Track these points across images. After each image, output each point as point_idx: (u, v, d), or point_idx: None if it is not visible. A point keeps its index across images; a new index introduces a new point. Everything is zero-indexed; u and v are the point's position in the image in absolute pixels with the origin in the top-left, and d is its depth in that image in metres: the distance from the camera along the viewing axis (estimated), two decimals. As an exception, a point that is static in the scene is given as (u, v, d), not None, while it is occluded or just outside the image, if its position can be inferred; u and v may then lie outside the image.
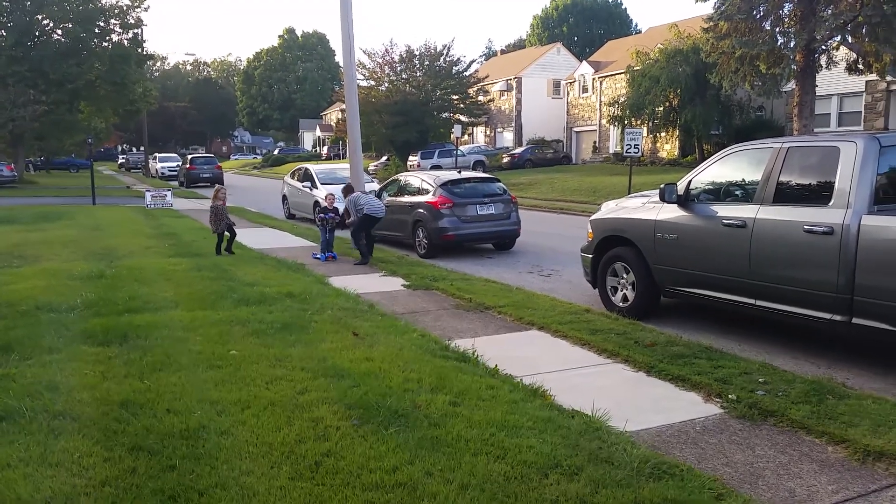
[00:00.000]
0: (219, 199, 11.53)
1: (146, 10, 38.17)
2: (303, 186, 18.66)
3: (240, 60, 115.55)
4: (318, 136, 77.28)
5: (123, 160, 67.30)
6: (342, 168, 19.40)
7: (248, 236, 14.23)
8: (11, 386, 4.68)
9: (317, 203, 17.57)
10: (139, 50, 38.75)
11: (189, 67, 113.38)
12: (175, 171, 43.28)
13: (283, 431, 4.05)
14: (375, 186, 15.85)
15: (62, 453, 3.70)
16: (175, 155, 54.95)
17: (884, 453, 3.76)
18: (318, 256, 11.48)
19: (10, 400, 4.39)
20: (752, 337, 6.61)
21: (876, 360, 5.78)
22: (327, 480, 3.48)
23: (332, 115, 70.90)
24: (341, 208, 12.24)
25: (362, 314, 7.14)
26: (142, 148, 56.09)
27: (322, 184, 17.69)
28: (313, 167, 20.08)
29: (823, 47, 20.64)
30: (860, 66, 20.36)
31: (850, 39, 19.86)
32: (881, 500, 3.41)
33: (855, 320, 5.27)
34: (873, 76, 21.31)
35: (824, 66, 20.96)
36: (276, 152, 74.78)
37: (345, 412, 4.30)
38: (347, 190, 11.82)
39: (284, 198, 20.55)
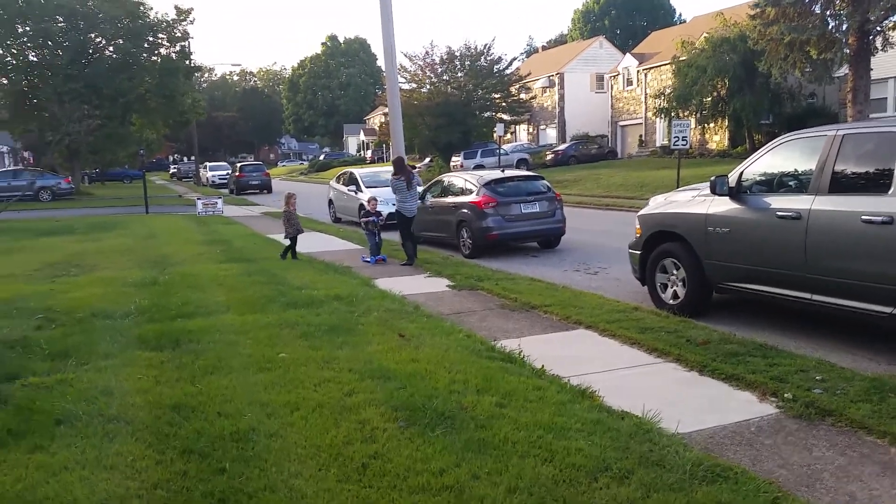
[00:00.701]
0: (291, 205, 11.88)
1: (192, 22, 39.36)
2: (348, 190, 18.84)
3: (284, 69, 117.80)
4: (362, 141, 78.06)
5: (175, 170, 69.08)
6: (386, 171, 19.50)
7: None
8: (69, 391, 4.84)
9: (362, 206, 17.71)
10: (187, 62, 39.85)
11: (236, 78, 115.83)
12: (225, 179, 44.26)
13: (330, 433, 4.08)
14: (419, 188, 15.88)
15: (116, 456, 3.80)
16: (224, 163, 56.24)
17: (953, 454, 3.58)
18: (368, 260, 11.53)
19: (68, 404, 4.53)
20: (808, 333, 6.39)
21: (943, 355, 5.52)
22: (374, 482, 3.49)
23: (376, 119, 71.52)
24: (385, 212, 12.33)
25: (408, 315, 7.16)
26: (192, 157, 57.57)
27: (367, 187, 17.82)
28: (357, 171, 20.26)
29: (878, 28, 19.81)
30: (920, 48, 19.52)
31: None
32: (951, 503, 3.24)
33: (918, 314, 5.03)
34: (933, 58, 20.41)
35: (880, 47, 20.11)
36: (321, 158, 75.78)
37: (391, 414, 4.31)
38: (398, 163, 11.87)
39: (330, 202, 20.79)
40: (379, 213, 11.81)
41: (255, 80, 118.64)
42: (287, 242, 11.88)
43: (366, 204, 16.77)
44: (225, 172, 46.63)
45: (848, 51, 20.13)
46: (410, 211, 11.44)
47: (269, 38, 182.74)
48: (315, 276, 9.86)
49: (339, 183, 20.13)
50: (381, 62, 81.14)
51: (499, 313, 7.48)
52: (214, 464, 3.71)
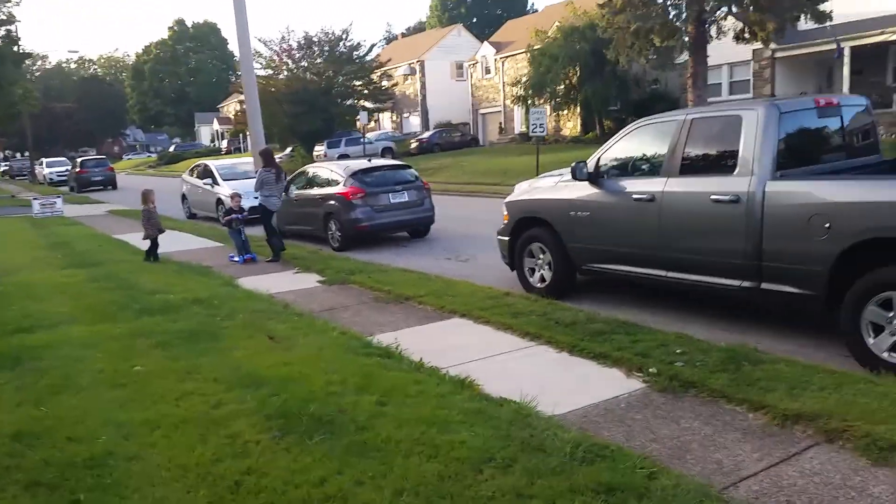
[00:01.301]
0: (150, 202, 10.88)
1: (18, 4, 35.50)
2: (203, 184, 17.89)
3: (128, 55, 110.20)
4: (217, 130, 74.54)
5: (6, 167, 62.78)
6: (244, 162, 18.75)
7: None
8: None
9: (219, 201, 16.90)
10: (14, 48, 35.93)
11: (73, 66, 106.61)
12: (65, 175, 40.80)
13: (197, 451, 3.79)
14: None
15: (-58, 504, 3.31)
16: (63, 159, 51.54)
17: (801, 415, 3.88)
18: (236, 259, 10.78)
19: None
20: (665, 309, 6.76)
21: (782, 323, 6.02)
22: (249, 501, 3.27)
23: (230, 107, 68.44)
24: (247, 205, 11.74)
25: (277, 315, 6.84)
26: (26, 153, 52.35)
27: (224, 180, 17.04)
28: (213, 163, 19.33)
29: (713, 18, 21.45)
30: (746, 35, 21.24)
31: (735, 10, 20.72)
32: (802, 461, 3.50)
33: (764, 285, 5.45)
34: (759, 45, 22.36)
35: (714, 36, 21.79)
36: (171, 149, 71.63)
37: (264, 424, 4.07)
38: (267, 155, 11.38)
39: (184, 197, 19.67)
40: (242, 210, 11.14)
41: (94, 68, 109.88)
42: (147, 244, 10.97)
43: (226, 200, 15.99)
44: (64, 169, 42.81)
45: (687, 39, 21.61)
46: (275, 205, 10.99)
47: (108, 23, 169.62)
48: (170, 278, 9.22)
49: (192, 176, 19.07)
50: (233, 47, 77.63)
51: (373, 307, 7.34)
52: (67, 495, 3.35)
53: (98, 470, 3.59)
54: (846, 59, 22.16)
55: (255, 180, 11.54)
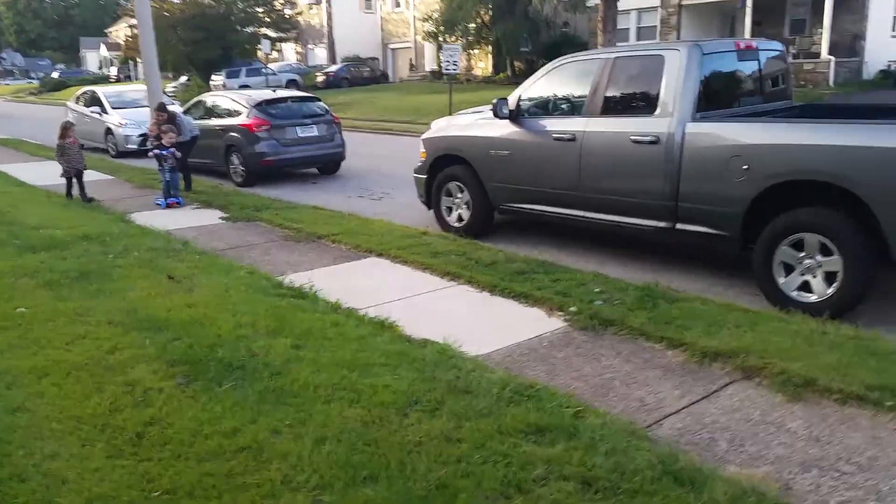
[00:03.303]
0: (68, 136, 9.61)
1: None
2: (91, 112, 16.53)
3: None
4: (105, 57, 69.08)
5: None
6: (134, 90, 17.50)
7: (28, 172, 12.39)
8: None
9: (109, 130, 15.74)
10: None
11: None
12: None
13: (92, 400, 3.46)
14: (179, 109, 14.32)
15: None
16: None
17: (719, 353, 3.94)
18: (159, 202, 9.31)
19: None
20: (582, 248, 6.78)
21: (693, 262, 6.15)
22: (154, 454, 2.98)
23: (120, 32, 63.36)
24: (134, 134, 10.75)
25: (176, 254, 6.36)
26: None
27: (114, 108, 15.93)
28: (101, 90, 17.86)
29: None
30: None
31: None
32: (722, 398, 3.56)
33: (679, 226, 5.50)
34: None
35: (624, -20, 21.84)
36: (55, 75, 65.78)
37: (167, 370, 3.75)
38: (161, 109, 10.20)
39: (70, 126, 18.15)
40: (172, 147, 9.46)
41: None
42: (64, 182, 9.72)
43: (115, 126, 14.89)
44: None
45: (598, -19, 21.56)
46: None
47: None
48: (56, 212, 8.45)
49: (79, 104, 17.60)
50: (122, -34, 71.57)
51: (283, 245, 6.96)
52: (-66, 457, 2.93)
53: (-26, 424, 3.20)
54: (748, 10, 22.82)
55: (146, 109, 10.64)
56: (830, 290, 4.62)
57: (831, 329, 4.21)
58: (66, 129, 9.75)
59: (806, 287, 4.77)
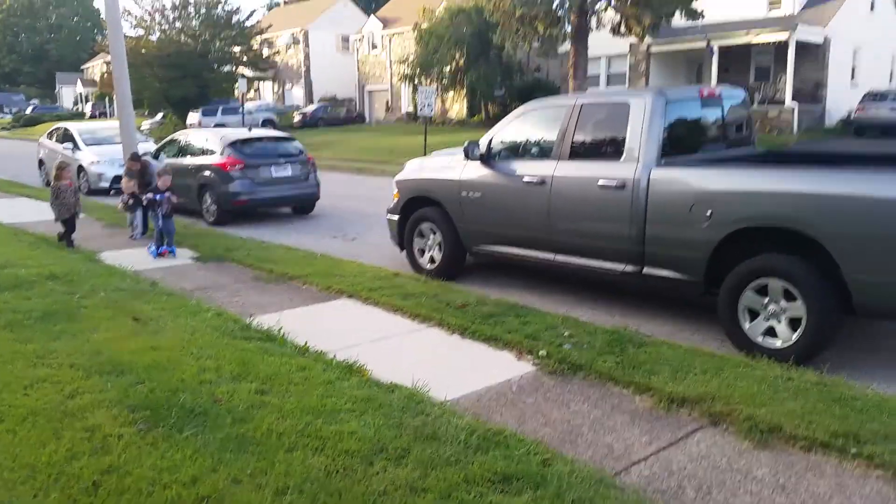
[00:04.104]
0: (63, 178, 8.94)
1: None
2: (63, 149, 16.41)
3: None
4: (80, 93, 68.90)
5: None
6: (108, 127, 17.44)
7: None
8: None
9: (81, 167, 15.57)
10: None
11: None
12: None
13: (48, 447, 3.36)
14: (151, 147, 14.28)
15: None
16: None
17: (686, 399, 3.96)
18: (150, 251, 8.51)
19: None
20: (552, 291, 6.81)
21: (662, 306, 6.21)
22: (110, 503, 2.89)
23: (96, 69, 63.41)
24: (110, 174, 10.65)
25: (143, 295, 6.26)
26: None
27: (86, 145, 15.87)
28: (74, 126, 17.82)
29: (594, 10, 22.12)
30: (623, 30, 22.14)
31: (614, 2, 21.47)
32: (690, 445, 3.57)
33: (646, 270, 5.57)
34: (635, 39, 23.36)
35: (594, 28, 22.49)
36: (29, 111, 65.28)
37: (127, 416, 3.65)
38: (135, 158, 9.98)
39: (41, 162, 18.02)
40: (172, 190, 8.87)
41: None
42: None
43: (91, 168, 14.78)
44: None
45: (570, 28, 22.18)
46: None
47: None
48: (23, 250, 8.30)
49: (51, 140, 17.47)
50: (99, 3, 71.76)
51: (253, 286, 6.90)
52: None
53: (-78, 473, 3.09)
54: (715, 58, 23.57)
55: (119, 146, 10.58)
56: (795, 336, 4.68)
57: (796, 375, 4.26)
58: (61, 169, 9.12)
59: (771, 332, 4.83)
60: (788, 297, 4.71)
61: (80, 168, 15.64)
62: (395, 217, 7.72)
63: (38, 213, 11.85)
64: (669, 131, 5.65)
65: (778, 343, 4.77)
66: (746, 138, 6.63)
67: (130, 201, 9.48)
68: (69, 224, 8.99)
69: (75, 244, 8.90)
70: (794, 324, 4.71)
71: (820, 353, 4.68)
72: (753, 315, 4.90)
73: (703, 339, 5.33)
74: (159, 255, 8.40)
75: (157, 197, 8.67)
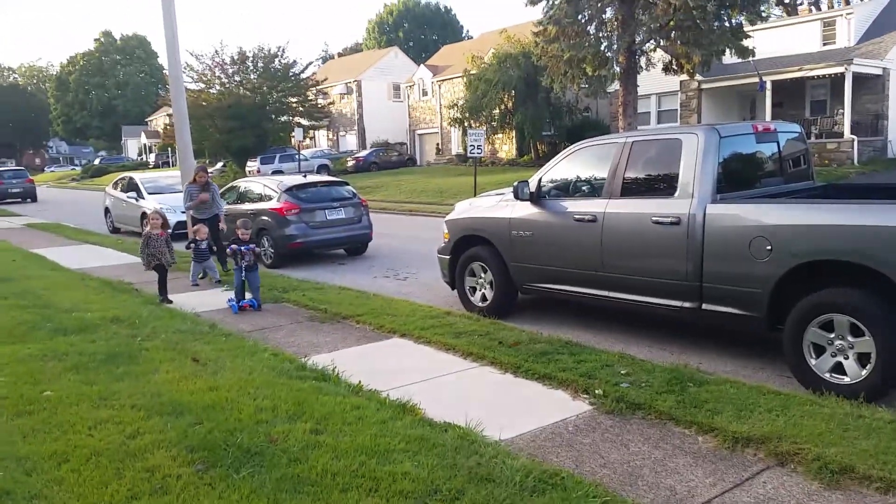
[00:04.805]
0: (155, 226, 8.69)
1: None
2: (127, 197, 17.15)
3: (52, 65, 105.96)
4: (144, 144, 72.21)
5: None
6: (170, 176, 18.18)
7: (67, 255, 12.71)
8: None
9: (144, 215, 16.19)
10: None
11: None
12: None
13: (111, 487, 3.42)
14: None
15: None
16: (-21, 170, 48.71)
17: (751, 438, 3.81)
18: (231, 304, 8.02)
19: None
20: (607, 328, 6.70)
21: (722, 343, 6.03)
22: (169, 543, 2.92)
23: (159, 121, 66.40)
24: (173, 220, 11.03)
25: (203, 336, 6.42)
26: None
27: (150, 193, 16.46)
28: (138, 175, 18.63)
29: (642, 50, 22.14)
30: (674, 67, 22.05)
31: (663, 43, 21.44)
32: (755, 486, 3.41)
33: (705, 306, 5.43)
34: (685, 76, 23.21)
35: (644, 67, 22.48)
36: (97, 162, 68.82)
37: (186, 456, 3.71)
38: (203, 170, 10.54)
39: (107, 210, 18.87)
40: (256, 242, 8.58)
41: (14, 77, 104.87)
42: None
43: (150, 210, 15.28)
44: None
45: (618, 68, 22.21)
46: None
47: (31, 32, 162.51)
48: (89, 295, 8.62)
49: (116, 189, 18.30)
50: (163, 61, 75.58)
51: (308, 326, 7.00)
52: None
53: (-7, 512, 3.19)
54: (768, 93, 23.21)
55: (182, 195, 11.00)
56: (864, 372, 4.47)
57: (867, 412, 4.05)
58: (154, 219, 8.83)
59: (839, 369, 4.63)
60: (855, 332, 4.52)
61: (144, 215, 16.29)
62: (446, 257, 7.76)
63: (102, 258, 12.38)
64: (724, 166, 5.56)
65: (846, 379, 4.56)
66: (805, 172, 6.47)
67: (191, 246, 9.71)
68: (160, 274, 8.59)
69: (132, 284, 9.04)
70: (862, 359, 4.50)
71: (891, 390, 4.45)
72: (820, 351, 4.71)
73: (766, 376, 5.14)
74: (241, 308, 7.90)
75: (242, 248, 8.11)
